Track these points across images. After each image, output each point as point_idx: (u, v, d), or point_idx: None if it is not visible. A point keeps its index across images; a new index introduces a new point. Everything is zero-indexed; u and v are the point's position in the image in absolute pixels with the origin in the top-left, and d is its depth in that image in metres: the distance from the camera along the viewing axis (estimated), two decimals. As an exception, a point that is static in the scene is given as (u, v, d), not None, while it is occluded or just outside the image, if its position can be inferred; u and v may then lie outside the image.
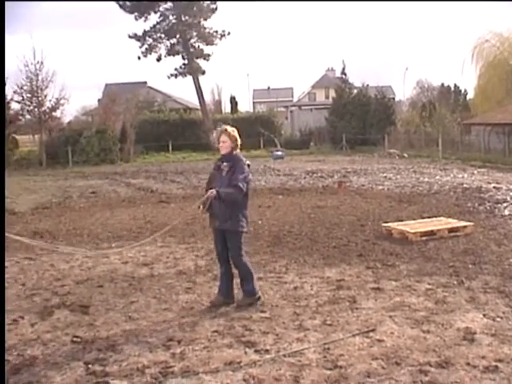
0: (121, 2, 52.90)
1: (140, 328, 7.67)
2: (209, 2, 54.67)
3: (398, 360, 6.38)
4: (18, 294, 9.42)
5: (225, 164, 8.37)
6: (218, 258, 8.67)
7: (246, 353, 6.71)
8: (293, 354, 6.62)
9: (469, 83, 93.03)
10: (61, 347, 7.07)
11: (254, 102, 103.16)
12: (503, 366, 6.15)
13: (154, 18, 54.59)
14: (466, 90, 73.19)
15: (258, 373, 6.16)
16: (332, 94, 62.89)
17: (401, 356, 6.50)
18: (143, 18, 54.07)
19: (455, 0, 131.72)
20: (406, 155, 40.60)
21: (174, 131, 51.17)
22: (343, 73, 54.81)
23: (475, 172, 29.01)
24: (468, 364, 6.23)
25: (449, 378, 5.91)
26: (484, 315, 7.83)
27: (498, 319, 7.67)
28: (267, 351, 6.73)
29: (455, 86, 74.92)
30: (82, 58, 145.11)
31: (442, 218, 14.13)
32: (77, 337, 7.37)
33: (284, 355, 6.59)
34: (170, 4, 53.69)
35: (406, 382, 5.86)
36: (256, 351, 6.75)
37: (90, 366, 6.46)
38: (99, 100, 58.70)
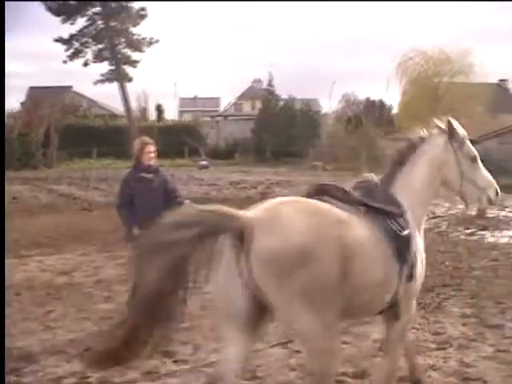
0: (48, 4, 52.19)
1: (57, 338, 7.58)
2: (138, 9, 54.45)
3: (314, 371, 6.47)
4: None
5: (151, 176, 8.25)
6: None
7: (164, 363, 6.71)
8: (211, 364, 6.62)
9: (394, 99, 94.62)
10: (-26, 356, 6.93)
11: (180, 111, 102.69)
12: (415, 377, 6.30)
13: (81, 22, 54.12)
14: (391, 105, 74.51)
15: (176, 383, 6.17)
16: (258, 105, 63.17)
17: (317, 367, 6.58)
18: (70, 22, 53.51)
19: (388, 0, 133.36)
20: (329, 168, 41.02)
21: (98, 137, 50.57)
22: (270, 84, 55.14)
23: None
24: (383, 375, 6.35)
25: (365, 389, 6.03)
26: (400, 327, 7.99)
27: (414, 330, 7.80)
28: (185, 361, 6.75)
29: (380, 100, 76.16)
30: (6, 59, 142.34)
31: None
32: (-9, 346, 7.24)
33: (202, 365, 6.62)
34: (98, 8, 53.25)
35: (323, 393, 5.94)
36: (174, 361, 6.77)
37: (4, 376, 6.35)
38: (22, 103, 57.69)
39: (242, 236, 4.24)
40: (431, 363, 6.74)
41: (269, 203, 4.59)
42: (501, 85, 79.87)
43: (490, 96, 58.51)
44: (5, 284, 9.44)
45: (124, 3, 53.94)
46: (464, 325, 8.19)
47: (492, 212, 19.74)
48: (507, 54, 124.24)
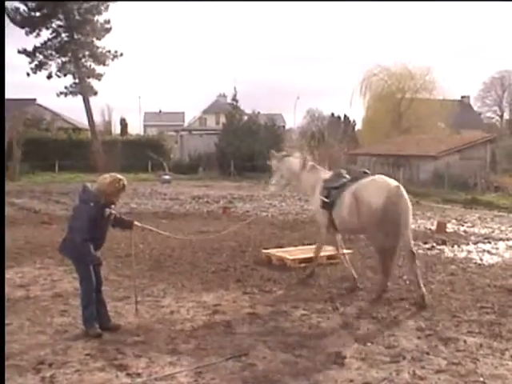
0: (11, 16, 51.76)
1: (11, 351, 7.48)
2: (102, 22, 54.26)
3: (268, 384, 6.51)
4: None
5: (113, 209, 8.38)
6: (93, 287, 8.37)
7: (117, 376, 6.70)
8: (164, 377, 6.66)
9: (358, 114, 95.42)
10: None
11: (144, 125, 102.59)
12: (370, 389, 6.38)
13: (45, 35, 53.76)
14: (354, 121, 75.18)
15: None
16: (223, 119, 63.16)
17: (272, 380, 6.65)
18: (34, 34, 53.16)
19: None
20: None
21: (61, 151, 50.13)
22: (234, 99, 55.07)
23: (359, 201, 29.60)
24: (336, 387, 6.44)
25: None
26: (355, 340, 8.09)
27: (369, 344, 7.93)
28: (139, 375, 6.74)
29: (345, 116, 76.79)
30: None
31: (321, 246, 14.33)
32: None
33: (155, 379, 6.62)
34: (62, 21, 52.95)
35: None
36: (128, 375, 6.74)
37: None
38: (-16, 116, 56.99)
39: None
40: (384, 376, 6.80)
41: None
42: (463, 101, 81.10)
43: (452, 112, 59.46)
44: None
45: (89, 16, 53.72)
46: (419, 338, 8.27)
47: (451, 227, 20.01)
48: (469, 70, 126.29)
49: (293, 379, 6.67)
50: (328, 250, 12.92)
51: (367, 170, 11.21)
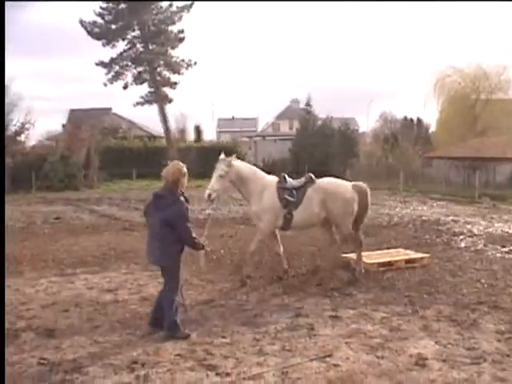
0: (88, 29, 53.09)
1: (105, 351, 7.85)
2: (176, 32, 55.16)
3: (352, 384, 6.70)
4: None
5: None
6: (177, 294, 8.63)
7: (207, 375, 6.97)
8: (252, 377, 6.91)
9: (431, 117, 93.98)
10: (27, 369, 7.23)
11: (218, 131, 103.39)
12: (451, 390, 6.50)
13: (121, 46, 54.92)
14: (428, 124, 74.23)
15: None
16: (296, 125, 63.08)
17: (355, 380, 6.82)
18: (110, 45, 54.36)
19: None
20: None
21: (137, 159, 50.80)
22: (308, 104, 54.95)
23: (434, 204, 29.49)
24: (418, 388, 6.57)
25: (400, 401, 6.24)
26: (436, 342, 8.20)
27: (449, 346, 8.04)
28: (228, 374, 6.99)
29: (418, 119, 75.86)
30: (48, 82, 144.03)
31: (399, 250, 14.43)
32: (43, 359, 7.51)
33: (244, 378, 6.87)
34: (137, 32, 54.06)
35: (360, 404, 6.18)
36: (217, 374, 7.01)
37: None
38: (64, 125, 58.42)
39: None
40: (465, 377, 6.92)
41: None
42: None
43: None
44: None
45: (163, 27, 54.72)
46: (499, 340, 8.32)
47: (530, 230, 19.81)
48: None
49: (376, 380, 6.84)
50: (407, 254, 13.01)
51: (311, 175, 12.34)
